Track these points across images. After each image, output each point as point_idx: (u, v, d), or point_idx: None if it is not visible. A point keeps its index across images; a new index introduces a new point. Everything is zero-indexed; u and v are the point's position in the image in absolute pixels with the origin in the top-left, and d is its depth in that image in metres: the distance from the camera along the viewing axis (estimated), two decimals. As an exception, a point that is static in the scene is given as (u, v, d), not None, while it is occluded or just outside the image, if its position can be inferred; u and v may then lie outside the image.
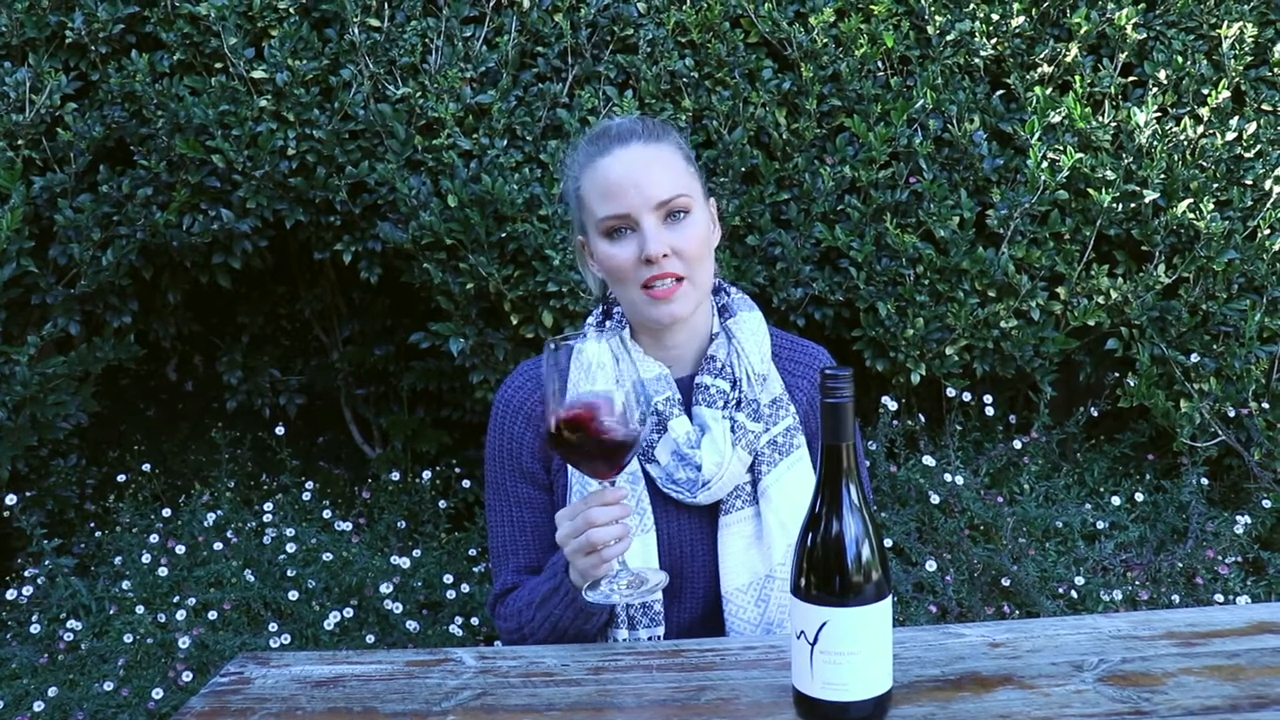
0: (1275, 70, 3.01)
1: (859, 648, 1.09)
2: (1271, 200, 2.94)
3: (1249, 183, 2.97)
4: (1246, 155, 2.97)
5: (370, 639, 2.61)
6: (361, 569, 2.77)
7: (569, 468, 1.59)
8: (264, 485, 3.38)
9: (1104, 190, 2.84)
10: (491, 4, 2.92)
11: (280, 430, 3.29)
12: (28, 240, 2.82)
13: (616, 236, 1.55)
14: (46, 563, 2.83)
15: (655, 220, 1.52)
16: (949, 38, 2.95)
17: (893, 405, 2.96)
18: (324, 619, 2.60)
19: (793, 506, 1.58)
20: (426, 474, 3.21)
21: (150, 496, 3.25)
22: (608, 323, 1.67)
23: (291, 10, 2.89)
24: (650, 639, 1.55)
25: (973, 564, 2.66)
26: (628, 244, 1.54)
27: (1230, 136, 2.91)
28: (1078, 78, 2.91)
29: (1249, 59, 2.98)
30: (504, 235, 2.79)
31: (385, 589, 2.67)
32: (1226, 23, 2.96)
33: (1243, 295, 3.00)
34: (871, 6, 2.94)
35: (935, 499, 2.78)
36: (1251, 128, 2.93)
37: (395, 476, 3.28)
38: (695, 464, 1.56)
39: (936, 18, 2.95)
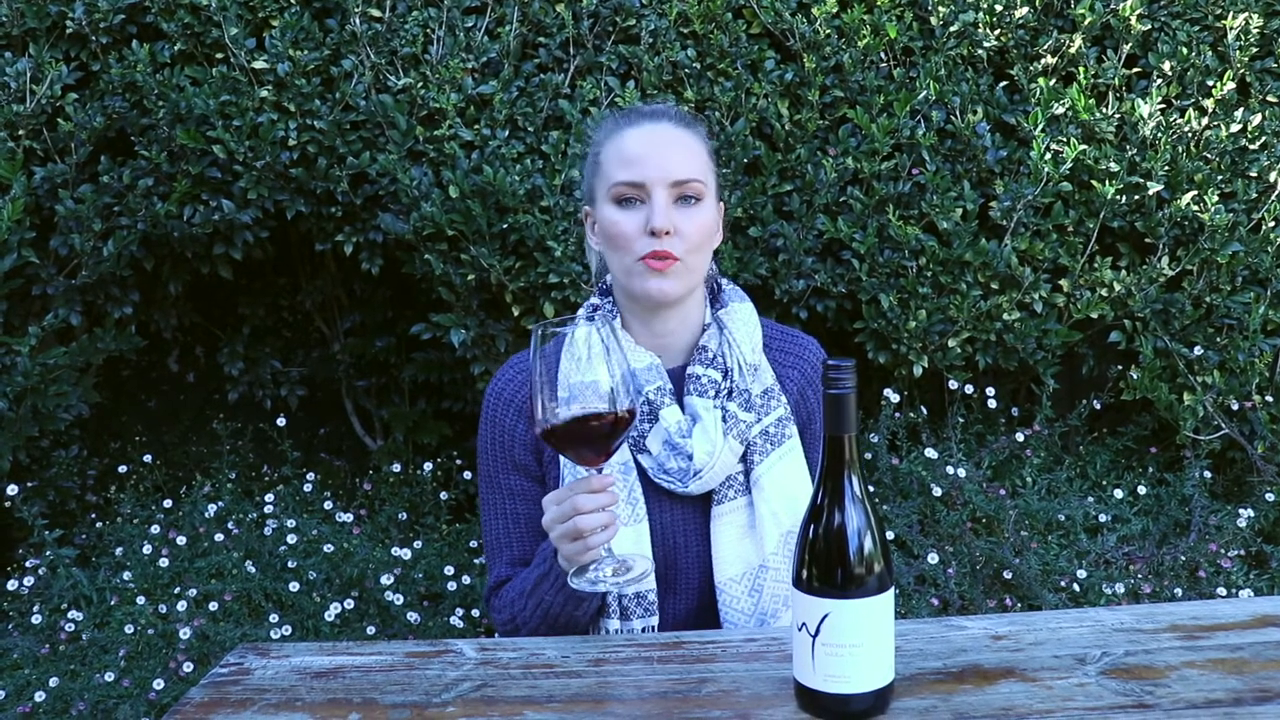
0: (1280, 62, 3.00)
1: (861, 640, 1.08)
2: (1276, 193, 2.93)
3: (1253, 175, 2.96)
4: (1251, 147, 2.96)
5: (371, 630, 2.61)
6: (362, 560, 2.77)
7: (561, 459, 1.58)
8: (265, 476, 3.38)
9: (1107, 182, 2.83)
10: (493, -6, 2.92)
11: (281, 421, 3.28)
12: (29, 231, 2.82)
13: (626, 204, 1.55)
14: (48, 553, 2.83)
15: (667, 197, 1.53)
16: (952, 29, 2.94)
17: (895, 398, 2.96)
18: (325, 610, 2.60)
19: (785, 497, 1.58)
20: (427, 465, 3.21)
21: (151, 487, 3.26)
22: (598, 314, 1.65)
23: (292, 0, 2.88)
24: (644, 629, 1.55)
25: (975, 557, 2.65)
26: (635, 213, 1.54)
27: (1235, 128, 2.90)
28: (1081, 69, 2.90)
29: (1254, 50, 2.97)
30: (505, 226, 2.79)
31: (386, 580, 2.67)
32: (1231, 14, 2.94)
33: (1246, 288, 2.99)
34: (875, -3, 2.93)
35: (937, 491, 2.78)
36: (1256, 120, 2.92)
37: (396, 468, 3.28)
38: (686, 453, 1.55)
39: (940, 8, 2.93)
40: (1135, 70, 3.01)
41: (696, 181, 1.55)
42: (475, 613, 2.72)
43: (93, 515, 3.21)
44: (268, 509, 3.01)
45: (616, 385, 1.27)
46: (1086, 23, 2.92)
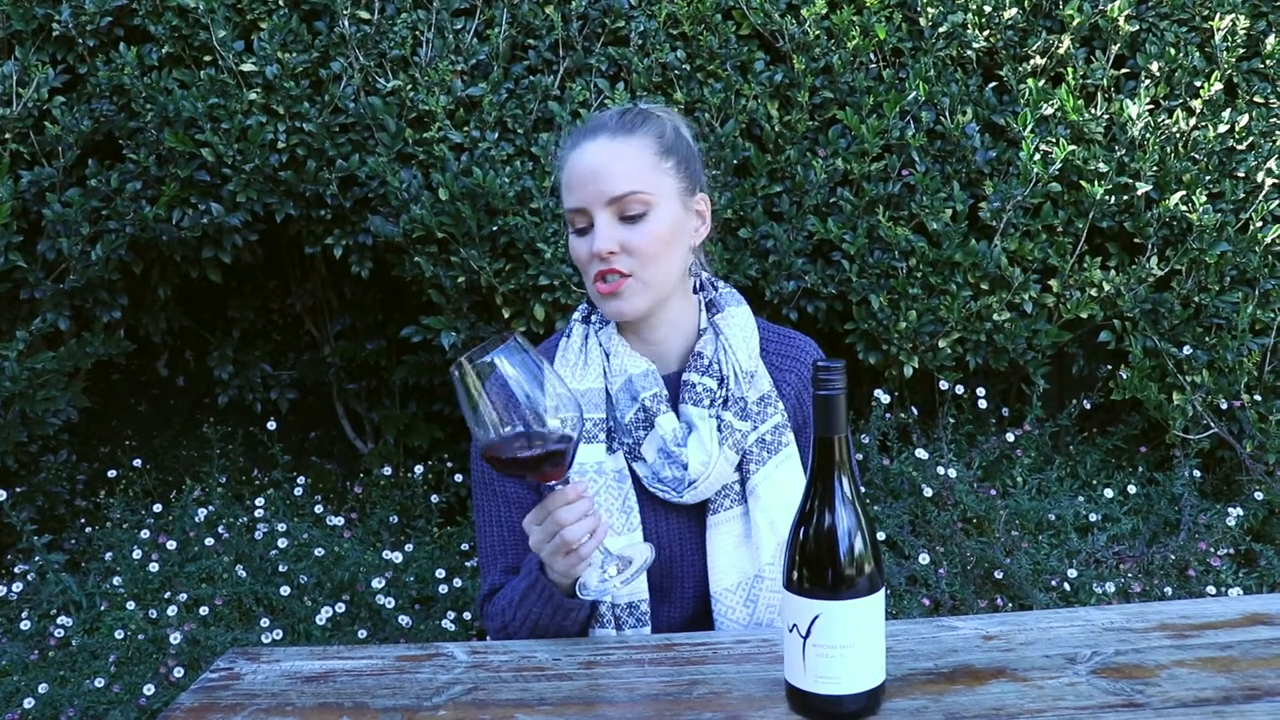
0: (1267, 62, 3.01)
1: (852, 641, 1.08)
2: (1263, 192, 2.94)
3: (1241, 175, 2.97)
4: (1239, 147, 2.97)
5: (362, 634, 2.60)
6: (353, 564, 2.77)
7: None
8: (255, 480, 3.37)
9: (1096, 182, 2.84)
10: (482, -4, 2.91)
11: (272, 425, 3.28)
12: (16, 235, 2.81)
13: (579, 230, 1.56)
14: (37, 559, 2.82)
15: (608, 216, 1.52)
16: (941, 30, 2.94)
17: (885, 398, 2.96)
18: (316, 614, 2.59)
19: (782, 505, 1.57)
20: (418, 469, 3.21)
21: (141, 492, 3.24)
22: (594, 317, 1.66)
23: (281, 3, 2.87)
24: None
25: (965, 557, 2.66)
26: (586, 239, 1.55)
27: (1222, 129, 2.91)
28: (1070, 70, 2.91)
29: (1241, 51, 2.98)
30: (495, 229, 2.78)
31: (377, 584, 2.66)
32: (1219, 15, 2.96)
33: (1235, 287, 3.00)
34: (864, -2, 2.93)
35: (928, 492, 2.78)
36: (1244, 120, 2.93)
37: (387, 471, 3.28)
38: (682, 463, 1.54)
39: (929, 10, 2.94)
40: (1123, 71, 3.02)
41: (636, 194, 1.52)
42: (467, 616, 2.71)
43: (82, 520, 3.19)
44: (258, 513, 3.00)
45: (555, 402, 1.26)
46: (1075, 24, 2.93)
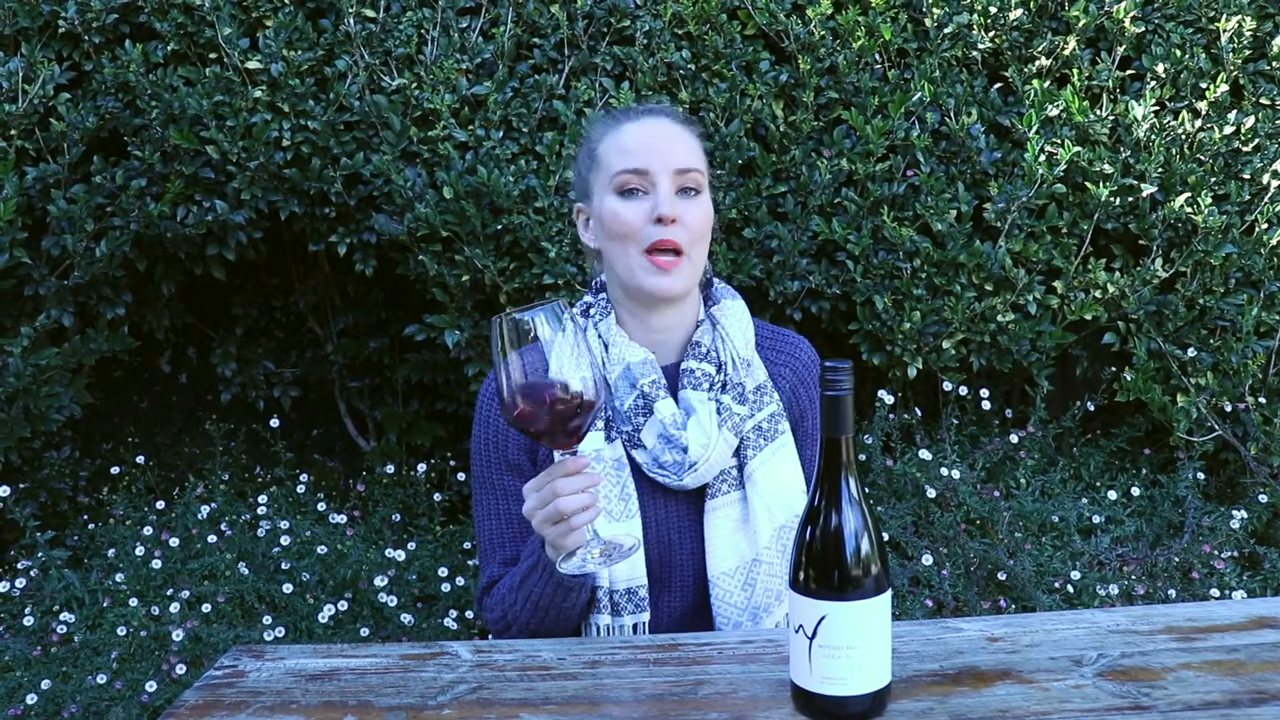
0: (1273, 64, 3.01)
1: (858, 642, 1.08)
2: (1269, 194, 2.94)
3: (1246, 177, 2.97)
4: (1244, 149, 2.97)
5: (365, 632, 2.60)
6: (356, 562, 2.77)
7: (555, 457, 1.58)
8: (258, 478, 3.37)
9: (1101, 184, 2.84)
10: (488, -5, 2.91)
11: (274, 423, 3.27)
12: (21, 231, 2.81)
13: (629, 195, 1.56)
14: (39, 555, 2.82)
15: (670, 186, 1.55)
16: (947, 30, 2.94)
17: (889, 399, 2.96)
18: (318, 612, 2.59)
19: (778, 491, 1.59)
20: (421, 467, 3.21)
21: (144, 489, 3.24)
22: (592, 311, 1.66)
23: (286, 0, 2.87)
24: (636, 625, 1.55)
25: (969, 558, 2.65)
26: (639, 203, 1.55)
27: (1228, 130, 2.91)
28: (1076, 71, 2.90)
29: (1247, 53, 2.97)
30: (500, 227, 2.78)
31: (380, 582, 2.66)
32: (1225, 16, 2.95)
33: (1240, 289, 3.00)
34: (869, -1, 2.93)
35: (932, 493, 2.78)
36: (1249, 122, 2.92)
37: (390, 469, 3.28)
38: (682, 446, 1.56)
39: (934, 10, 2.94)
40: (1129, 72, 3.02)
41: (697, 172, 1.58)
42: (469, 614, 2.71)
43: (85, 517, 3.19)
44: (261, 510, 3.00)
45: (581, 364, 1.27)
46: (1080, 25, 2.92)
